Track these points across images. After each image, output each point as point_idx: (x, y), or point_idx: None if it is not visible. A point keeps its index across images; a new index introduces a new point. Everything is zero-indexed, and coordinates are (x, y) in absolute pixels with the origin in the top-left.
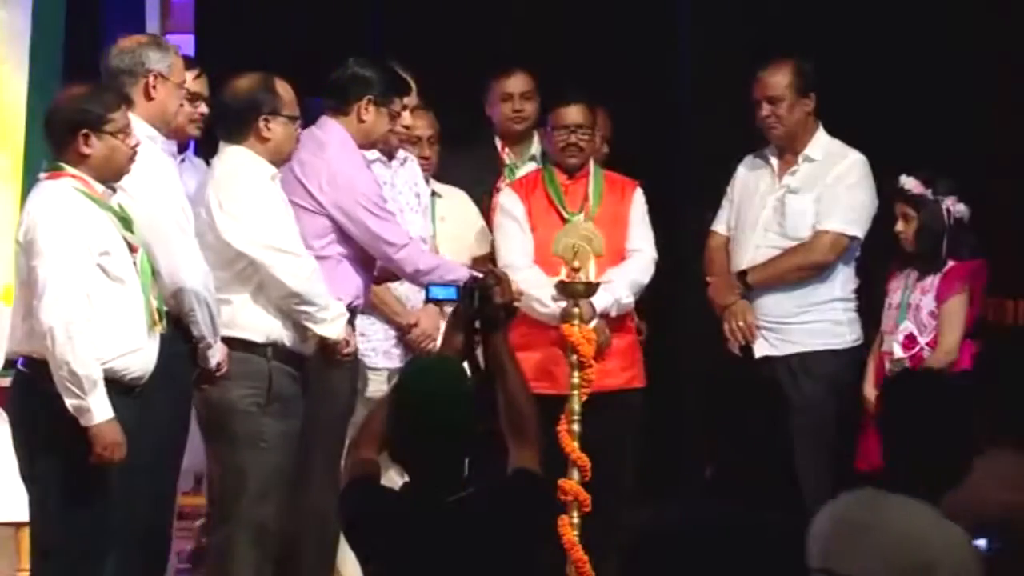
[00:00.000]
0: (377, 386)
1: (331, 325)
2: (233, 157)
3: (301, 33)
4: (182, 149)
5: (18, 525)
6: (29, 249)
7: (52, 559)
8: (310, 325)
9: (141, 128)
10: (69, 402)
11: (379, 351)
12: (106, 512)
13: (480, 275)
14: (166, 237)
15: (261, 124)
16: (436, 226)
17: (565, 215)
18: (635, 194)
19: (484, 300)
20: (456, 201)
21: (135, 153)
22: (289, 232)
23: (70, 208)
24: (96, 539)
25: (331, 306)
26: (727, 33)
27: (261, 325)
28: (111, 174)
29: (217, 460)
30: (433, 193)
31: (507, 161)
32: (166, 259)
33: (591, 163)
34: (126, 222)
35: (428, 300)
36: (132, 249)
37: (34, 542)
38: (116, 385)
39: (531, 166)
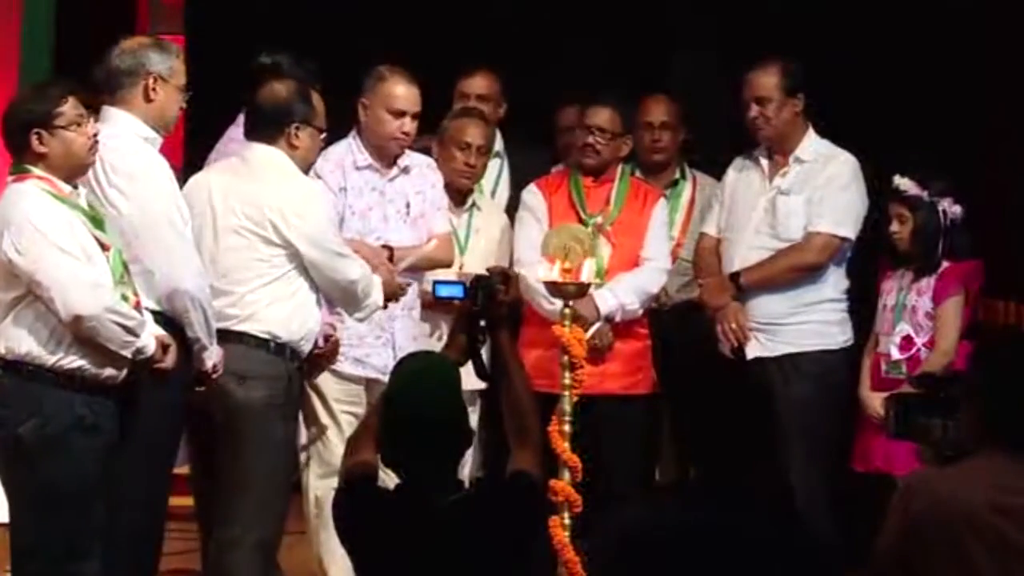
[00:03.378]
0: (347, 393)
1: (378, 291)
2: (274, 157)
3: (293, 33)
4: None
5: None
6: (24, 255)
7: (29, 561)
8: (357, 315)
9: (139, 129)
10: (127, 352)
11: (348, 357)
12: (85, 514)
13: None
14: (162, 238)
15: (292, 131)
16: (470, 238)
17: (583, 216)
18: (657, 204)
19: (489, 299)
20: (492, 215)
21: (95, 143)
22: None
23: (45, 207)
24: (74, 541)
25: (371, 279)
26: (724, 33)
27: (289, 324)
28: (74, 169)
29: (233, 461)
30: (473, 204)
31: None
32: (161, 260)
33: (619, 168)
34: (96, 221)
35: (435, 298)
36: (104, 248)
37: (13, 543)
38: (91, 384)
39: (495, 163)
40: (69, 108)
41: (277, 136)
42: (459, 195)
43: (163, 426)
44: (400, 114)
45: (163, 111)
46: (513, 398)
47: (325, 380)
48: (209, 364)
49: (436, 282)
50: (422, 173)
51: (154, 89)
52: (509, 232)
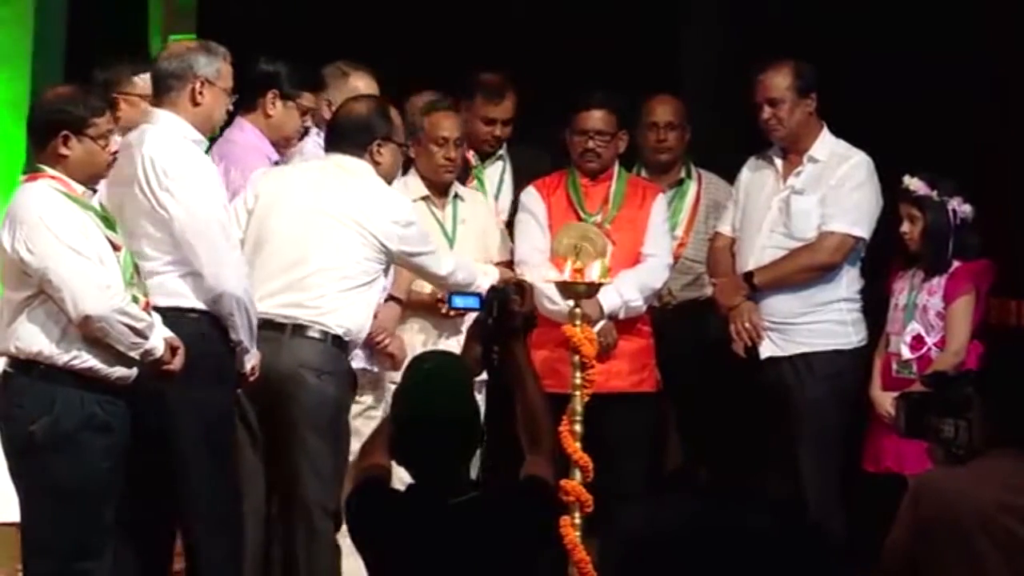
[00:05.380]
0: None
1: (487, 277)
2: (369, 170)
3: (295, 36)
4: None
5: (19, 525)
6: (36, 254)
7: (40, 558)
8: (476, 286)
9: (185, 131)
10: (135, 353)
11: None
12: (96, 512)
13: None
14: (210, 240)
15: (375, 148)
16: (457, 229)
17: (583, 216)
18: (656, 200)
19: (504, 309)
20: (477, 204)
21: (114, 160)
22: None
23: (57, 208)
24: (85, 539)
25: (468, 265)
26: (726, 34)
27: (363, 327)
28: (87, 177)
29: (303, 452)
30: (455, 196)
31: (473, 163)
32: (209, 262)
33: (615, 166)
34: (108, 221)
35: (450, 308)
36: (115, 248)
37: (24, 541)
38: (103, 384)
39: (499, 165)
40: (104, 122)
41: (360, 153)
42: (440, 187)
43: (220, 423)
44: None
45: (210, 114)
46: (527, 405)
47: None
48: (248, 366)
49: (451, 294)
50: None
51: (201, 92)
52: (495, 217)
